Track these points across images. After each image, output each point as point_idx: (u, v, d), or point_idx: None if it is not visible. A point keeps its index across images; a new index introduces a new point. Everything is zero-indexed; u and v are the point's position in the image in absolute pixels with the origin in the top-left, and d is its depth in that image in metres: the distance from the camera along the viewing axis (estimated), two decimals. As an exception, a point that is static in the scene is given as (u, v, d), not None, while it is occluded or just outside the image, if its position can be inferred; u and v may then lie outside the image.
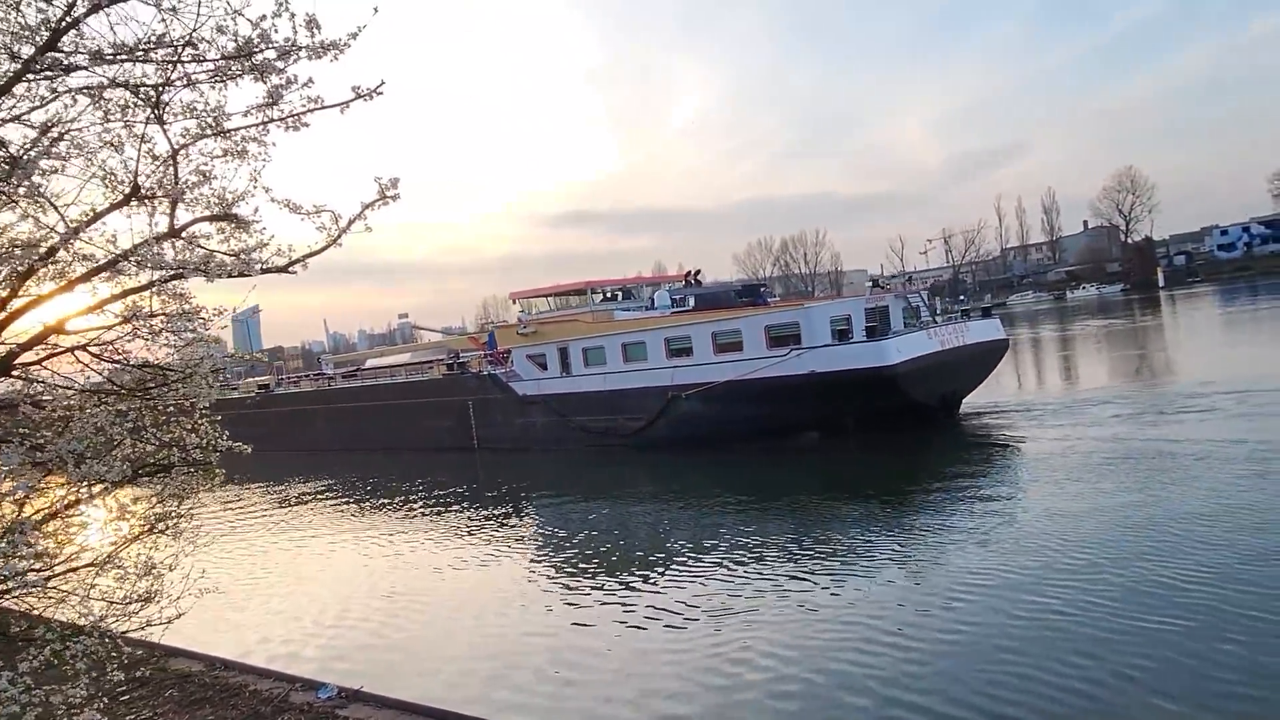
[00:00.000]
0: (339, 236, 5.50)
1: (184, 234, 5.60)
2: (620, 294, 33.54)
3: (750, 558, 13.47)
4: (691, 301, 30.89)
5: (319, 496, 26.75)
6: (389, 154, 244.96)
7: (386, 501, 24.30)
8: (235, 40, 5.00)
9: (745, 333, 26.78)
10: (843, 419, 25.16)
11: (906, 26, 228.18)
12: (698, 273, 33.40)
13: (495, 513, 20.67)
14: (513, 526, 19.07)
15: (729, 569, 12.95)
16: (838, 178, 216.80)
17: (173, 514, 7.63)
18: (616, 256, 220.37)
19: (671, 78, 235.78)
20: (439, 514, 21.27)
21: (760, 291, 31.15)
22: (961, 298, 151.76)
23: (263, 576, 16.98)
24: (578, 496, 21.61)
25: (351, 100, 5.18)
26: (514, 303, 34.57)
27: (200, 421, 6.83)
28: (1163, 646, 8.30)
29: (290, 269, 5.59)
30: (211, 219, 5.63)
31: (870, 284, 29.07)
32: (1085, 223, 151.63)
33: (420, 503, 23.29)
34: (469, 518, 20.37)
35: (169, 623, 9.87)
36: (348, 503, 25.13)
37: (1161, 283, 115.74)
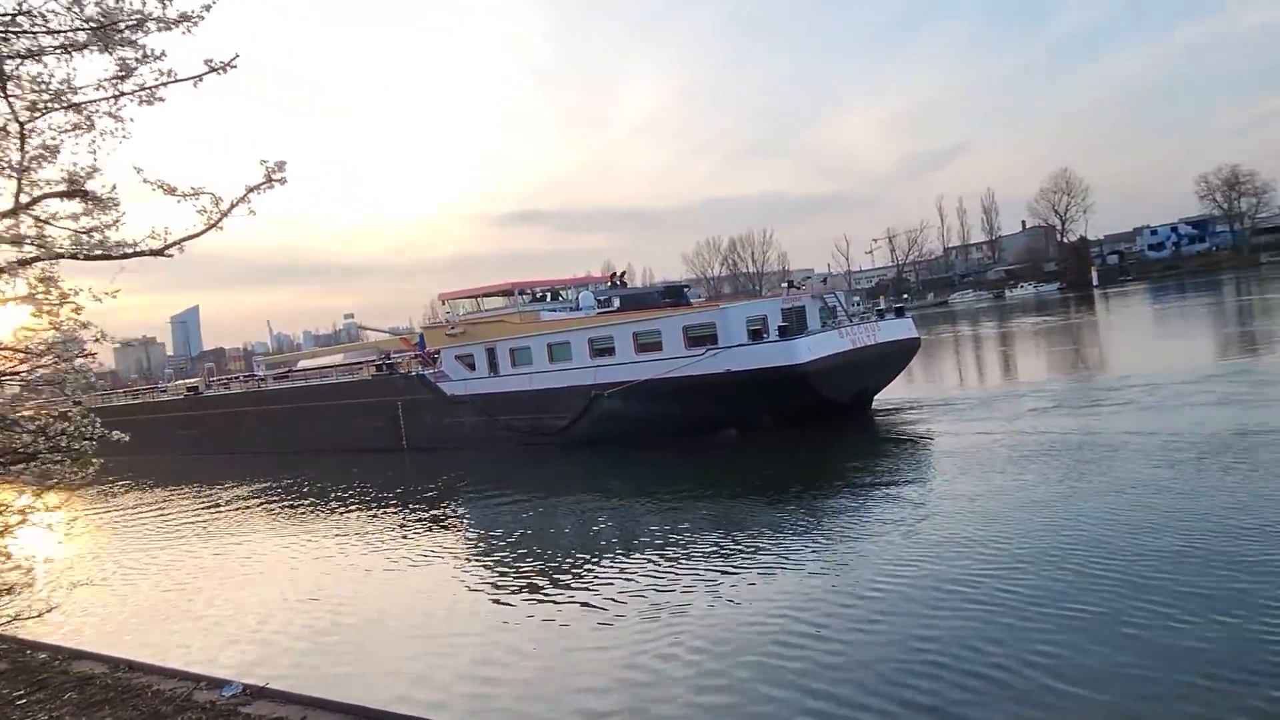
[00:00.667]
0: (219, 220, 5.39)
1: (34, 210, 5.49)
2: (549, 295, 33.90)
3: (673, 554, 13.65)
4: (616, 302, 31.39)
5: (246, 499, 26.57)
6: (332, 150, 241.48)
7: (314, 503, 24.31)
8: (82, 11, 4.97)
9: (665, 333, 27.36)
10: (759, 417, 25.90)
11: (859, 28, 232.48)
12: (623, 274, 33.98)
13: (422, 514, 20.77)
14: (440, 527, 19.16)
15: (653, 566, 13.14)
16: (789, 178, 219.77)
17: (39, 505, 7.38)
18: (567, 256, 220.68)
19: (622, 78, 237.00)
20: (366, 515, 21.27)
21: (683, 292, 31.77)
22: (905, 296, 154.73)
23: (185, 580, 16.83)
24: (504, 496, 21.76)
25: (205, 74, 5.20)
26: (443, 303, 34.70)
27: (71, 410, 6.36)
28: (1073, 633, 8.62)
29: (165, 253, 5.47)
30: (61, 195, 5.52)
31: (785, 285, 29.77)
32: (1024, 223, 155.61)
33: (348, 504, 23.30)
34: (396, 519, 20.44)
35: (40, 615, 10.00)
36: (275, 505, 25.02)
37: (1095, 281, 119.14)
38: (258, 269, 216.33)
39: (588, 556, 14.38)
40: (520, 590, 13.11)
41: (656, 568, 13.04)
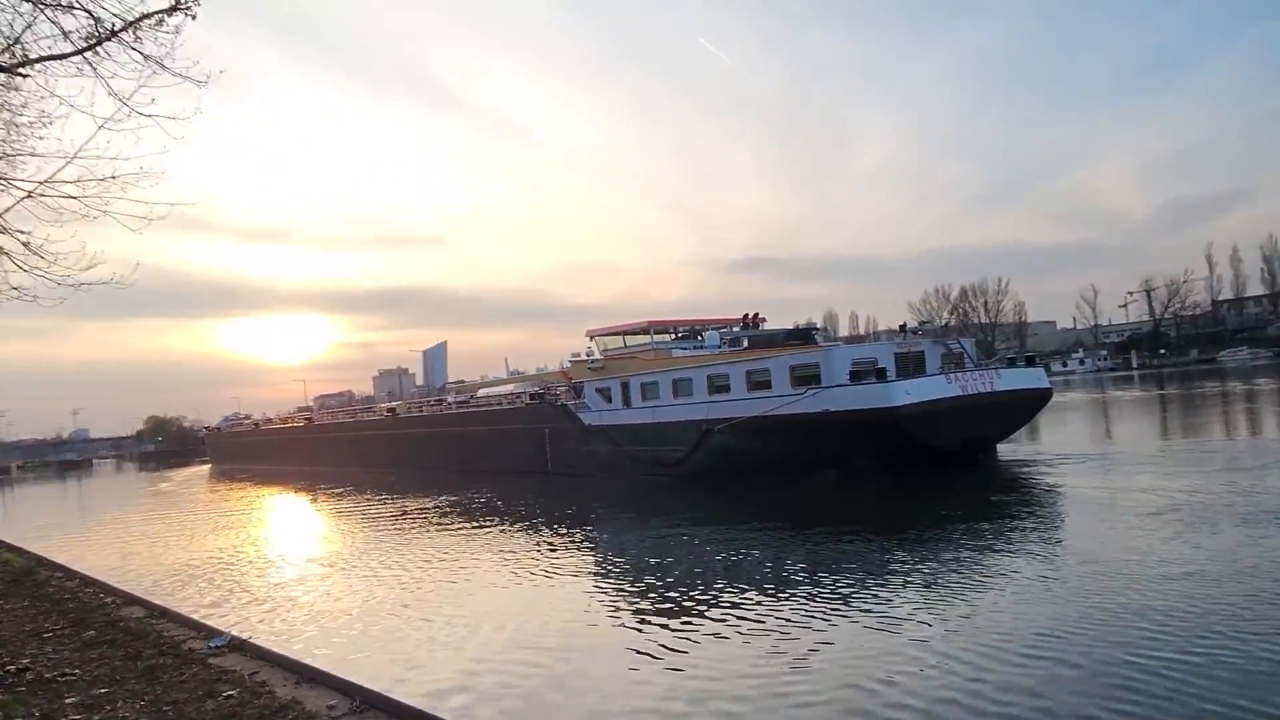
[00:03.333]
0: None
1: None
2: (689, 334, 35.22)
3: (770, 593, 13.18)
4: (745, 342, 32.10)
5: (412, 513, 27.95)
6: (570, 200, 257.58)
7: (453, 519, 25.36)
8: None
9: (774, 371, 27.79)
10: (859, 458, 25.57)
11: (1107, 70, 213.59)
12: (756, 315, 34.56)
13: (551, 537, 21.00)
14: (566, 551, 19.04)
15: (756, 607, 12.45)
16: (1029, 226, 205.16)
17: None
18: (790, 303, 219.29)
19: (853, 126, 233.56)
20: (500, 533, 22.07)
21: (812, 334, 31.87)
22: (1162, 352, 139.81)
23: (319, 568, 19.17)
24: (625, 522, 22.64)
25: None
26: (590, 339, 37.03)
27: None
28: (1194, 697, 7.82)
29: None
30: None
31: (901, 330, 29.10)
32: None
33: (486, 521, 24.25)
34: (528, 539, 20.82)
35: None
36: (428, 520, 25.97)
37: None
38: (500, 310, 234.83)
39: (689, 587, 14.03)
40: (618, 613, 13.06)
41: (756, 607, 12.41)
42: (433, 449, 45.23)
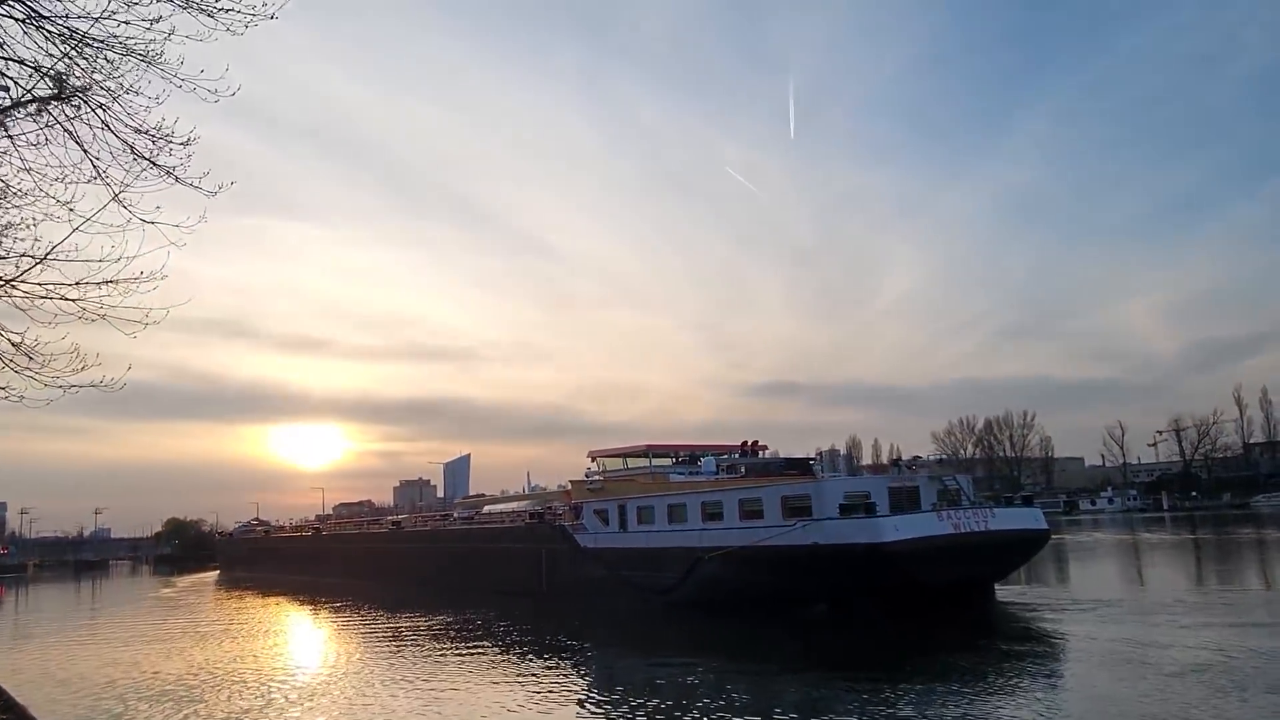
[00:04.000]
0: None
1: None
2: (688, 458, 35.18)
3: None
4: (742, 469, 31.99)
5: (393, 633, 27.71)
6: (595, 324, 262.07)
7: (441, 642, 24.88)
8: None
9: (765, 501, 27.59)
10: (849, 594, 25.01)
11: (1133, 210, 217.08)
12: (756, 443, 34.53)
13: (537, 661, 20.86)
14: (543, 677, 18.81)
15: None
16: (1056, 362, 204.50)
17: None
18: (814, 429, 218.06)
19: (881, 257, 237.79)
20: (477, 660, 21.42)
21: (809, 465, 31.68)
22: (1194, 494, 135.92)
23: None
24: (612, 653, 22.21)
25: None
26: (592, 460, 37.09)
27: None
28: None
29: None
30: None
31: (895, 464, 28.86)
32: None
33: (471, 647, 23.67)
34: (506, 667, 20.36)
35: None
36: (407, 640, 25.90)
37: None
38: (525, 425, 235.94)
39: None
40: None
41: None
42: (435, 565, 44.78)
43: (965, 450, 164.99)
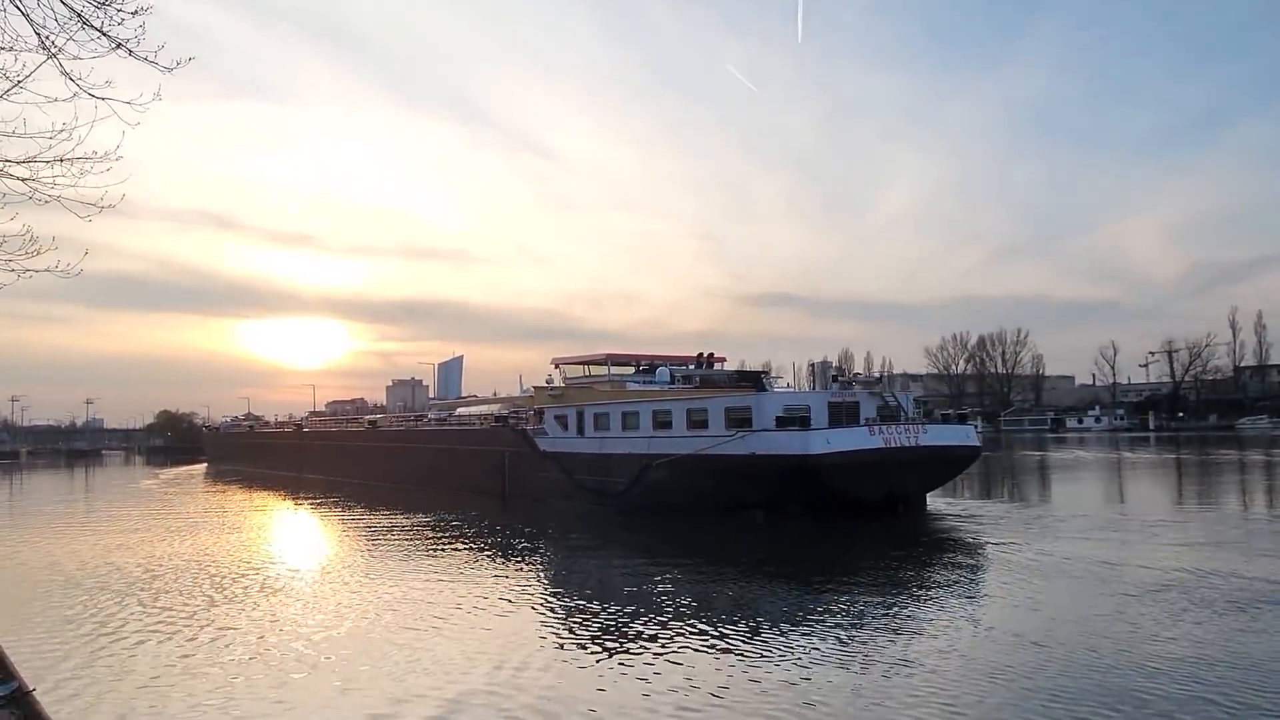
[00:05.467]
0: None
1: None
2: (648, 368, 36.07)
3: (690, 628, 13.53)
4: (697, 380, 32.92)
5: (361, 529, 28.61)
6: (590, 226, 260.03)
7: (402, 539, 25.37)
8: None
9: (711, 412, 28.56)
10: (785, 503, 26.27)
11: (1148, 125, 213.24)
12: (711, 355, 35.37)
13: (493, 563, 21.12)
14: (506, 578, 19.02)
15: (673, 642, 12.81)
16: (1054, 281, 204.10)
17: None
18: (810, 341, 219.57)
19: (887, 167, 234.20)
20: (425, 560, 21.69)
21: (761, 378, 32.58)
22: (1180, 415, 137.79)
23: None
24: (565, 553, 22.89)
25: None
26: (556, 367, 38.00)
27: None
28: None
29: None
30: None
31: (836, 379, 29.74)
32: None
33: (421, 547, 23.91)
34: (470, 566, 20.66)
35: None
36: (368, 535, 26.73)
37: None
38: (520, 328, 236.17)
39: (621, 623, 14.29)
40: (553, 650, 12.88)
41: (676, 637, 12.91)
42: (406, 464, 46.25)
43: (957, 366, 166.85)
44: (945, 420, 29.28)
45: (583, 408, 34.12)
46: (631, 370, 36.47)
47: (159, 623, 14.55)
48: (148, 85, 8.56)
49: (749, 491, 26.79)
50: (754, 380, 32.01)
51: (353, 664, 11.96)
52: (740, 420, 27.58)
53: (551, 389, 36.14)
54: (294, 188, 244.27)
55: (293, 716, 9.89)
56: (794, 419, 26.50)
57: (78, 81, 8.06)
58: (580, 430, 34.04)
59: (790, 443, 25.43)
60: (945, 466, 27.68)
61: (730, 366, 37.56)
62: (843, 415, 27.95)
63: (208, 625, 14.35)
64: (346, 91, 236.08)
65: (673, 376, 33.64)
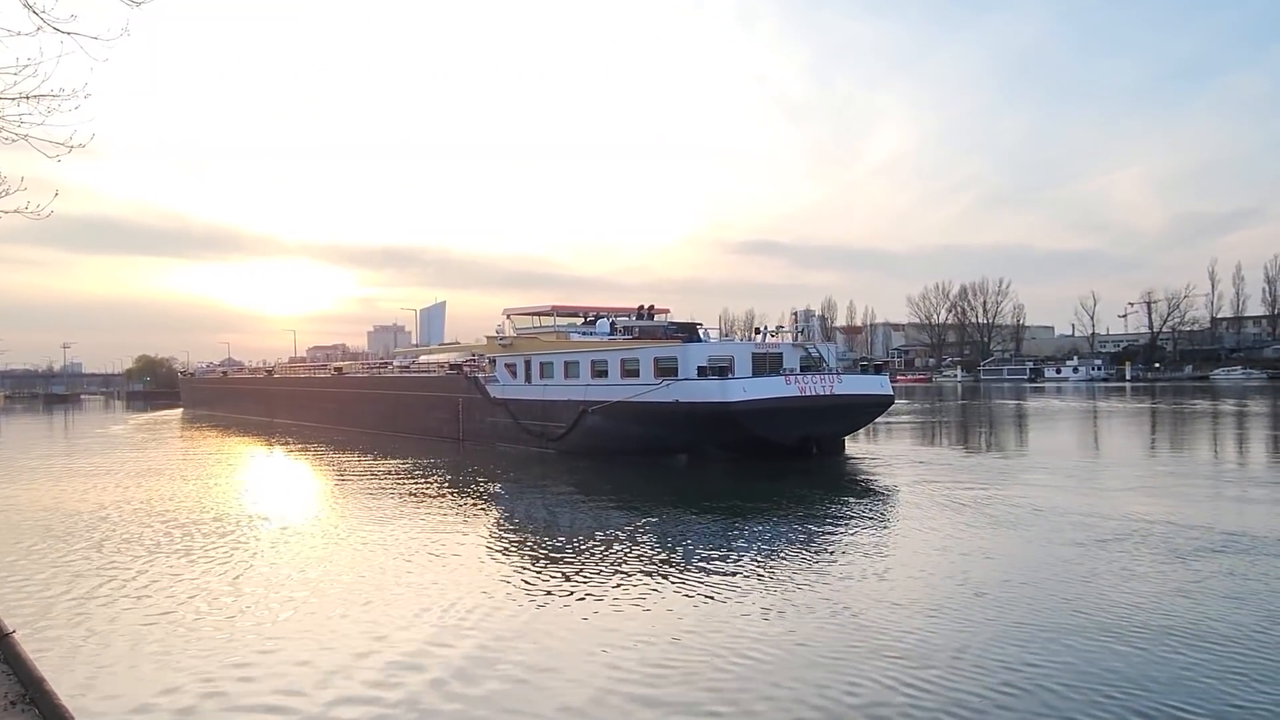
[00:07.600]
0: None
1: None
2: (593, 319, 37.57)
3: (611, 565, 14.26)
4: (636, 331, 34.47)
5: (330, 471, 30.54)
6: (576, 172, 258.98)
7: (353, 485, 26.08)
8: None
9: (642, 361, 30.23)
10: (705, 446, 28.15)
11: (1136, 75, 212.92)
12: (652, 307, 36.89)
13: (444, 501, 22.23)
14: (456, 516, 20.14)
15: (595, 576, 13.53)
16: (1038, 231, 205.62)
17: None
18: (793, 289, 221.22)
19: (874, 115, 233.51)
20: (395, 499, 22.67)
21: (696, 330, 34.11)
22: (1156, 365, 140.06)
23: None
24: (511, 492, 24.36)
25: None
26: (507, 317, 39.41)
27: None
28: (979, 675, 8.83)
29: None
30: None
31: (758, 330, 31.32)
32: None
33: (373, 487, 24.96)
34: (422, 506, 21.50)
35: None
36: (334, 476, 28.21)
37: None
38: (501, 274, 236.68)
39: (560, 551, 15.48)
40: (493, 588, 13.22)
41: (597, 575, 13.59)
42: (369, 410, 47.97)
43: (939, 315, 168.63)
44: (864, 370, 30.99)
45: (529, 357, 35.69)
46: (579, 321, 37.93)
47: (126, 568, 14.47)
48: (115, 20, 8.20)
49: (674, 436, 28.62)
50: (689, 331, 33.52)
51: (321, 601, 12.27)
52: (667, 370, 29.24)
53: (502, 339, 37.61)
54: (271, 126, 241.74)
55: (274, 659, 9.89)
56: (716, 369, 28.19)
57: (41, 15, 7.70)
58: (527, 378, 35.66)
59: (710, 391, 27.13)
60: (858, 412, 29.51)
61: (711, 316, 39.09)
62: (766, 365, 29.64)
63: (180, 571, 14.32)
64: (331, 25, 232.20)
65: (613, 328, 35.15)
